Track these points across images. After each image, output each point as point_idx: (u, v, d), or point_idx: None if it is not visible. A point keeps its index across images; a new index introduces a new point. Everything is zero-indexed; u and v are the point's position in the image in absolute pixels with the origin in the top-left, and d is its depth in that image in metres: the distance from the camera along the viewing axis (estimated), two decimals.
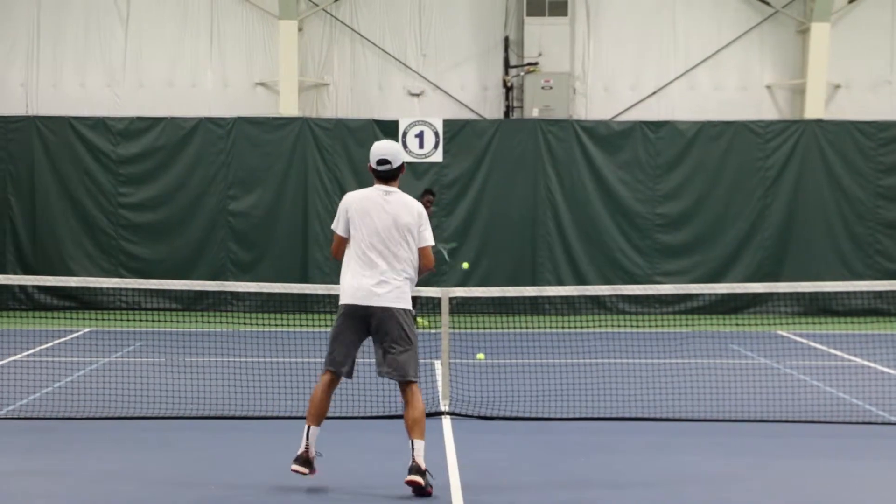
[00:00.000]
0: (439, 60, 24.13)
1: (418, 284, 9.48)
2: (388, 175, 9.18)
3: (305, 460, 9.00)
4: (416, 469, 8.75)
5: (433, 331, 19.66)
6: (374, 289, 8.98)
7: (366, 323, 9.05)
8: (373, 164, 9.20)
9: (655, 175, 23.30)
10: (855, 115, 23.62)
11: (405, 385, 9.05)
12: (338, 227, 9.30)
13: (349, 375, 9.25)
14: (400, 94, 24.16)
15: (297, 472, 8.98)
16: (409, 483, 8.77)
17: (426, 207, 20.35)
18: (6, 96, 23.85)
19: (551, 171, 23.16)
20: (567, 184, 23.16)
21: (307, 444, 9.04)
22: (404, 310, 9.02)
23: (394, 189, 9.18)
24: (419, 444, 8.83)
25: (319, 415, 9.12)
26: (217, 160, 23.23)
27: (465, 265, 18.72)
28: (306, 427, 9.08)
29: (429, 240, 9.15)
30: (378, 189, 9.19)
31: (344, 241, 9.27)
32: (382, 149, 9.23)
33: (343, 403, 12.64)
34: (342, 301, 9.12)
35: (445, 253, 20.80)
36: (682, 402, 12.81)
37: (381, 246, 9.02)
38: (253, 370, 14.39)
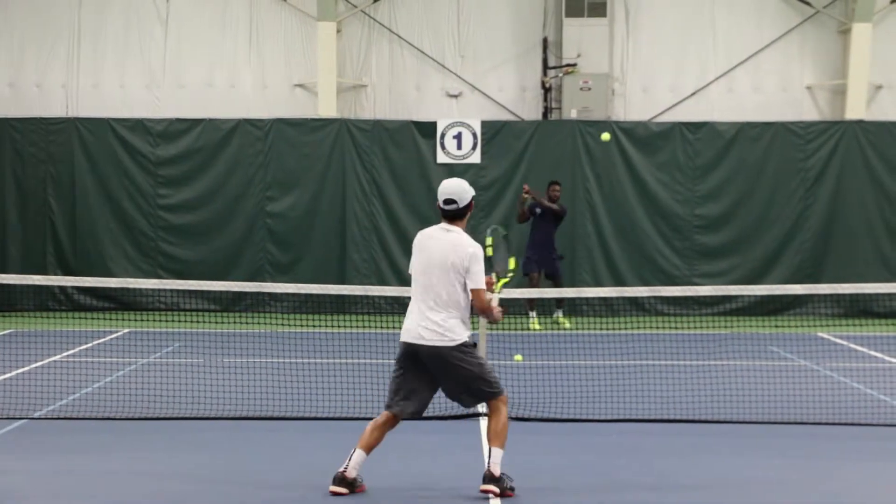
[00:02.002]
0: (477, 61, 24.10)
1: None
2: (452, 214, 9.12)
3: (342, 479, 9.01)
4: (488, 478, 8.85)
5: (568, 329, 19.85)
6: (420, 327, 8.95)
7: (422, 361, 9.00)
8: (440, 202, 9.13)
9: (694, 176, 23.18)
10: None
11: (490, 401, 9.08)
12: (410, 264, 9.27)
13: (412, 417, 9.20)
14: (438, 95, 24.14)
15: (333, 492, 8.98)
16: (484, 492, 8.87)
17: (555, 196, 20.62)
18: (47, 98, 23.99)
19: (589, 172, 23.09)
20: (605, 185, 23.08)
21: (347, 465, 9.03)
22: (451, 347, 8.91)
23: (454, 228, 9.10)
24: (496, 453, 8.89)
25: (367, 445, 9.09)
26: (255, 161, 23.27)
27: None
28: (353, 449, 9.08)
29: (479, 283, 8.94)
30: (440, 227, 9.16)
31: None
32: (448, 188, 9.14)
33: (366, 404, 12.62)
34: (400, 339, 9.11)
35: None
36: (722, 404, 12.73)
37: (428, 284, 8.99)
38: (290, 371, 14.41)
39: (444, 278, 8.94)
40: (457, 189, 9.11)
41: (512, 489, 8.87)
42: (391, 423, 9.13)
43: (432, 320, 8.92)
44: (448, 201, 9.09)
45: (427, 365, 8.98)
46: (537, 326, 20.48)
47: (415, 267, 9.12)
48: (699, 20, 23.98)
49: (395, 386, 9.09)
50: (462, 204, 9.08)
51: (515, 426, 11.63)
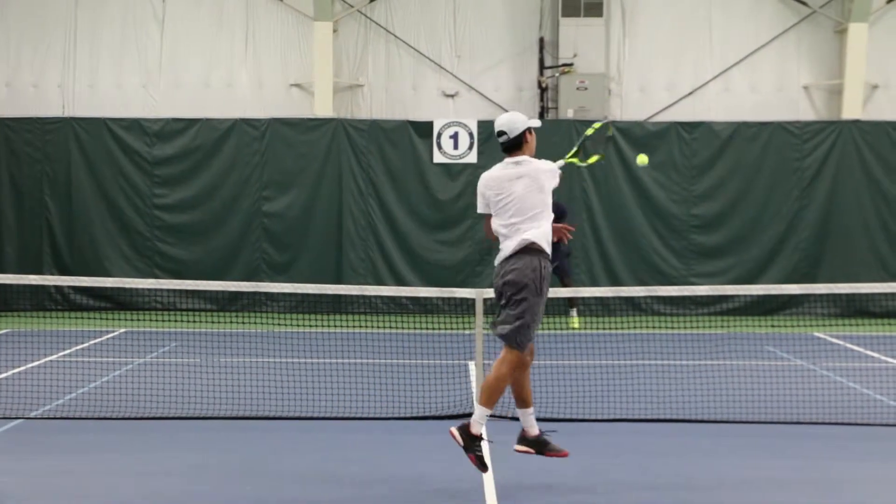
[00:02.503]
0: (474, 61, 24.10)
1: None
2: (508, 146, 9.25)
3: (523, 439, 9.21)
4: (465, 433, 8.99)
5: (581, 330, 19.81)
6: (504, 249, 9.07)
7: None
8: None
9: (691, 176, 23.19)
10: (893, 115, 23.43)
11: (504, 346, 9.07)
12: (481, 207, 9.31)
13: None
14: (434, 94, 24.15)
15: (518, 450, 9.22)
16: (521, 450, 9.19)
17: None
18: (43, 98, 23.98)
19: (586, 171, 23.06)
20: (602, 185, 23.09)
21: (523, 427, 9.20)
22: (509, 257, 9.03)
23: (521, 158, 9.22)
24: (479, 410, 8.93)
25: (521, 398, 9.21)
26: (252, 161, 23.27)
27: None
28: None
29: (553, 180, 9.24)
30: (505, 163, 9.25)
31: (488, 219, 9.27)
32: (499, 122, 9.30)
33: (364, 404, 12.65)
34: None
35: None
36: (718, 404, 12.74)
37: (522, 212, 9.02)
38: (287, 371, 14.40)
39: (535, 201, 9.03)
40: (505, 121, 9.26)
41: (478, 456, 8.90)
42: (525, 365, 9.21)
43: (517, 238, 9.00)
44: (499, 133, 9.25)
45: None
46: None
47: (500, 206, 9.09)
48: (695, 20, 23.99)
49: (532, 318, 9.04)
50: (512, 135, 9.21)
51: (514, 426, 11.64)
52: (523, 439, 9.18)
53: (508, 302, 9.02)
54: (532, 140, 9.34)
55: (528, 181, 9.07)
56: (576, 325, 20.59)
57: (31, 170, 23.28)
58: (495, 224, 9.14)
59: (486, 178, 9.25)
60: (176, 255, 23.23)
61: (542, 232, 9.02)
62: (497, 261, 9.17)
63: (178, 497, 8.99)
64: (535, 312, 9.00)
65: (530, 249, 8.96)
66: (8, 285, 21.18)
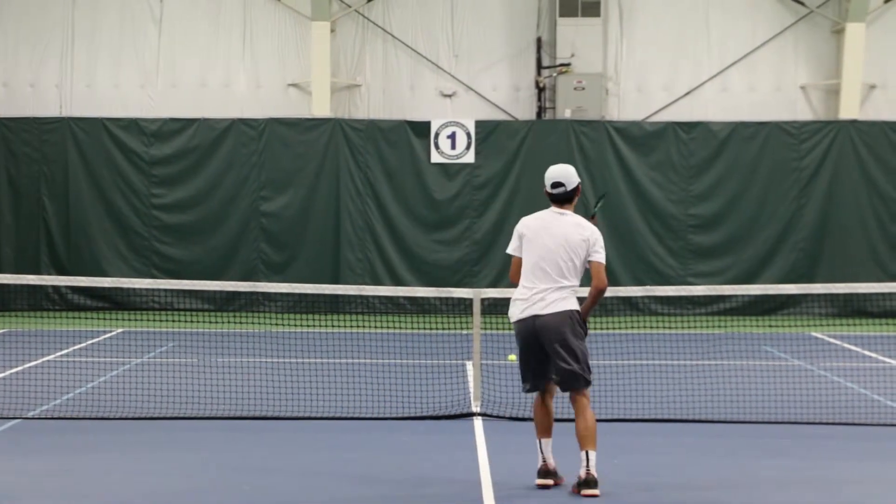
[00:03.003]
0: (471, 61, 24.09)
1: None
2: (562, 198, 9.28)
3: (546, 472, 9.15)
4: (593, 482, 8.93)
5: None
6: (535, 299, 9.04)
7: (535, 335, 9.06)
8: (548, 187, 9.30)
9: (688, 176, 23.20)
10: (890, 115, 23.45)
11: (573, 395, 9.11)
12: (512, 249, 9.37)
13: (553, 386, 9.28)
14: (432, 94, 24.14)
15: (540, 485, 9.11)
16: (588, 496, 8.93)
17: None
18: (41, 98, 23.96)
19: (583, 171, 23.03)
20: (599, 185, 23.07)
21: (543, 458, 9.18)
22: (567, 311, 9.03)
23: (567, 211, 9.26)
24: (592, 455, 8.96)
25: (544, 428, 9.22)
26: (249, 161, 23.27)
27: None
28: (537, 442, 9.22)
29: (603, 258, 9.13)
30: (552, 211, 9.30)
31: (518, 262, 9.31)
32: (556, 172, 9.31)
33: (361, 404, 12.65)
34: (511, 320, 9.20)
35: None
36: (716, 404, 12.73)
37: (548, 265, 9.07)
38: (285, 371, 14.40)
39: (565, 258, 9.06)
40: (564, 173, 9.28)
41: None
42: (548, 399, 9.27)
43: (551, 297, 9.02)
44: (556, 184, 9.26)
45: (541, 339, 9.03)
46: None
47: (529, 250, 9.17)
48: (693, 20, 23.98)
49: (526, 367, 9.18)
50: (570, 187, 9.24)
51: (511, 426, 11.66)
52: (547, 472, 9.17)
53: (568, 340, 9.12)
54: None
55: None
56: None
57: (28, 170, 23.28)
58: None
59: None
60: (173, 255, 23.23)
61: None
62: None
63: (175, 497, 8.99)
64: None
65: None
66: (5, 285, 21.19)
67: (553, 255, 9.06)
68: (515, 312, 9.14)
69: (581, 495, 8.88)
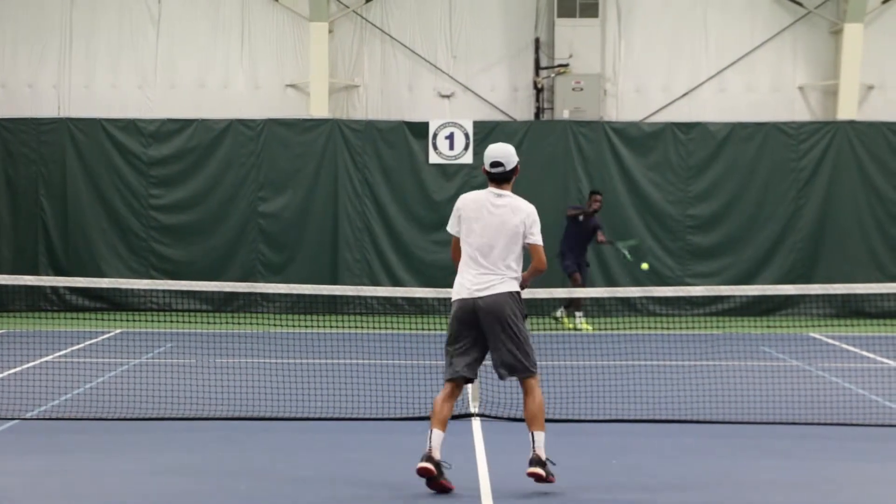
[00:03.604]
0: (469, 62, 24.09)
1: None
2: (500, 177, 9.24)
3: (429, 458, 8.94)
4: (535, 460, 8.87)
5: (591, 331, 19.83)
6: (477, 282, 9.07)
7: (475, 321, 9.07)
8: (486, 166, 9.28)
9: (686, 176, 23.21)
10: (888, 115, 23.46)
11: (523, 380, 9.10)
12: (451, 227, 9.41)
13: (472, 378, 9.30)
14: (430, 95, 24.14)
15: (422, 468, 8.88)
16: (531, 475, 8.87)
17: (597, 207, 20.59)
18: (38, 98, 23.96)
19: (582, 172, 23.11)
20: (598, 185, 23.07)
21: (429, 445, 9.00)
22: (507, 293, 9.04)
23: (505, 192, 9.24)
24: (539, 436, 8.93)
25: (442, 422, 9.07)
26: (248, 162, 23.27)
27: (646, 266, 18.62)
28: (429, 431, 9.05)
29: (539, 240, 9.16)
30: (490, 192, 9.26)
31: (457, 242, 9.38)
32: (496, 151, 9.29)
33: (359, 404, 12.65)
34: (453, 299, 9.24)
35: (626, 252, 20.93)
36: (713, 404, 12.73)
37: (486, 248, 9.09)
38: (283, 372, 14.38)
39: (506, 242, 9.07)
40: (504, 152, 9.25)
41: (553, 475, 8.93)
42: (458, 392, 9.22)
43: (493, 277, 9.06)
44: (495, 164, 9.22)
45: (482, 322, 9.03)
46: (587, 326, 20.50)
47: (468, 231, 9.20)
48: (691, 20, 24.00)
49: (457, 353, 9.15)
50: (509, 167, 9.21)
51: (509, 426, 11.65)
52: (431, 458, 8.92)
53: (510, 327, 9.12)
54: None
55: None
56: (587, 327, 20.57)
57: (26, 170, 23.28)
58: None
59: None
60: (172, 256, 23.23)
61: None
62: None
63: (173, 497, 8.98)
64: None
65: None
66: (3, 286, 21.11)
67: (491, 239, 9.08)
68: (457, 293, 9.17)
69: (527, 474, 8.87)
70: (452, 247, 9.48)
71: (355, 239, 23.14)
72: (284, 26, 24.06)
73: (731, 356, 16.58)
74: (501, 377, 9.23)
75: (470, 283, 9.10)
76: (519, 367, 9.07)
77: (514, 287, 9.11)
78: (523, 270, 9.25)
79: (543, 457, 8.91)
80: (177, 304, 22.68)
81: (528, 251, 9.21)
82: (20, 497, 9.02)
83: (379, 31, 24.05)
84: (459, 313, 9.14)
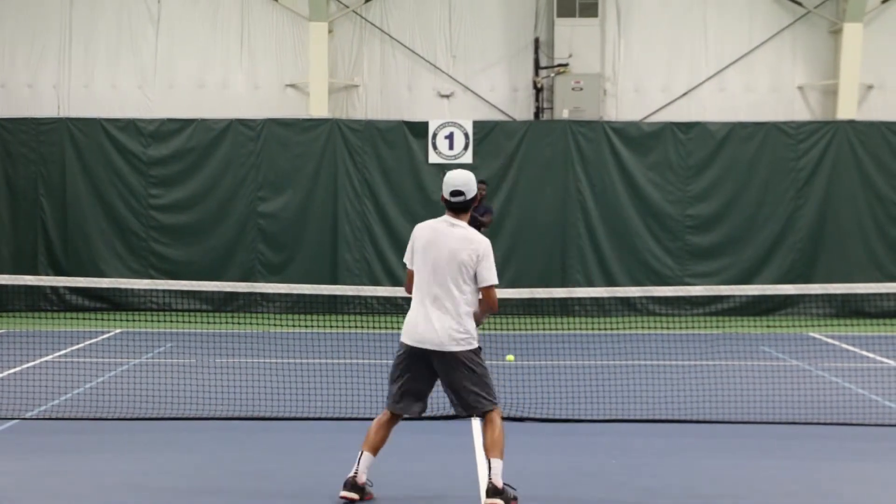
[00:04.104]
0: (469, 62, 24.10)
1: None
2: (460, 206, 8.80)
3: (353, 485, 8.75)
4: (492, 491, 8.54)
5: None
6: (430, 329, 8.69)
7: (426, 362, 8.76)
8: (445, 194, 8.82)
9: (686, 176, 23.20)
10: (888, 115, 23.45)
11: (484, 414, 8.79)
12: (406, 258, 9.02)
13: (416, 416, 8.97)
14: (430, 95, 24.14)
15: (344, 498, 8.70)
16: None
17: (480, 195, 20.40)
18: (38, 98, 23.96)
19: (581, 172, 23.10)
20: (597, 185, 23.09)
21: (356, 469, 8.80)
22: (465, 354, 8.69)
23: (460, 223, 8.79)
24: (496, 464, 8.60)
25: (373, 447, 8.86)
26: (247, 162, 23.26)
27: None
28: (360, 453, 8.86)
29: (490, 279, 8.68)
30: (445, 220, 8.84)
31: (410, 274, 8.98)
32: (456, 179, 8.81)
33: (359, 405, 12.65)
34: (402, 339, 8.87)
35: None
36: (713, 404, 12.74)
37: (438, 281, 8.71)
38: (282, 371, 14.40)
39: (455, 275, 8.67)
40: (465, 180, 8.78)
41: (515, 498, 8.62)
42: (395, 421, 8.93)
43: (445, 324, 8.68)
44: (455, 192, 8.76)
45: (435, 366, 8.73)
46: None
47: (420, 263, 8.81)
48: (691, 20, 24.00)
49: (401, 387, 8.81)
50: (469, 196, 8.77)
51: (509, 427, 11.63)
52: (354, 485, 8.73)
53: (465, 376, 8.78)
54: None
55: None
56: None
57: (25, 170, 23.27)
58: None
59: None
60: (171, 256, 23.22)
61: None
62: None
63: (173, 497, 8.99)
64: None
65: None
66: (3, 286, 21.17)
67: (442, 272, 8.68)
68: (408, 334, 8.80)
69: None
70: (407, 281, 9.05)
71: (355, 239, 23.14)
72: (284, 26, 24.06)
73: (730, 356, 16.58)
74: (460, 415, 8.94)
75: (424, 328, 8.73)
76: (480, 405, 8.74)
77: (470, 343, 8.69)
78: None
79: (500, 485, 8.55)
80: (176, 304, 22.69)
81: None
82: (20, 497, 9.02)
83: (378, 30, 24.04)
84: (410, 357, 8.79)
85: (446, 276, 8.69)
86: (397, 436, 10.72)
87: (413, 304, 8.86)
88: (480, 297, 8.79)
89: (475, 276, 8.69)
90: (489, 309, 8.82)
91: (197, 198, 23.29)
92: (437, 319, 8.70)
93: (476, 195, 8.85)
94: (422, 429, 11.56)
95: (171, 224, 23.28)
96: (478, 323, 8.83)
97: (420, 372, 8.79)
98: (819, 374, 15.25)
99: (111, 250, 23.23)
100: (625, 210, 23.11)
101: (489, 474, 8.61)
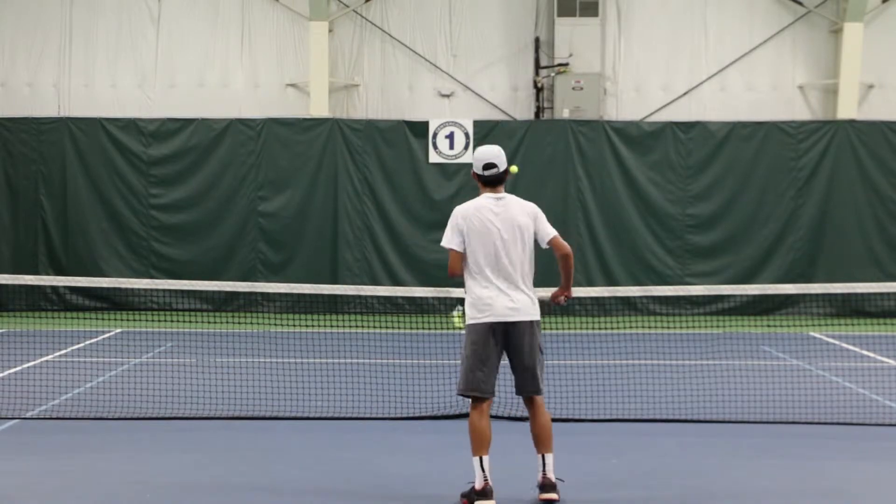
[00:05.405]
0: (469, 61, 24.10)
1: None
2: (496, 179, 8.89)
3: (491, 492, 8.63)
4: (549, 486, 8.70)
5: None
6: (508, 300, 8.69)
7: (500, 338, 8.73)
8: (478, 169, 8.89)
9: (686, 176, 23.21)
10: (888, 115, 23.46)
11: (530, 398, 8.87)
12: (451, 242, 8.93)
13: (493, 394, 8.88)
14: (430, 94, 24.14)
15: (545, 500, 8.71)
16: (546, 501, 8.66)
17: None
18: (38, 98, 23.96)
19: (582, 171, 23.11)
20: (597, 184, 23.09)
21: (486, 476, 8.65)
22: (537, 321, 8.77)
23: (504, 193, 8.92)
24: (550, 458, 8.73)
25: (486, 442, 8.71)
26: (247, 161, 23.27)
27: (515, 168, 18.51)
28: (477, 459, 8.67)
29: (552, 231, 8.89)
30: (488, 197, 8.90)
31: (460, 256, 8.92)
32: (487, 153, 8.92)
33: (359, 404, 12.66)
34: (476, 321, 8.74)
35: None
36: (714, 403, 12.74)
37: (505, 253, 8.74)
38: (283, 371, 14.40)
39: (518, 244, 8.79)
40: (496, 153, 8.93)
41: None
42: (489, 407, 8.86)
43: (520, 294, 8.74)
44: (488, 165, 8.87)
45: (511, 342, 8.72)
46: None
47: (477, 244, 8.78)
48: (691, 20, 24.00)
49: (487, 367, 8.69)
50: (501, 168, 8.88)
51: (508, 426, 11.64)
52: (492, 492, 8.62)
53: (535, 348, 8.91)
54: None
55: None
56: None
57: (26, 170, 23.28)
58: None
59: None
60: (172, 255, 23.22)
61: None
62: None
63: (173, 497, 8.99)
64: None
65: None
66: (3, 285, 21.17)
67: (507, 244, 8.74)
68: (484, 312, 8.71)
69: (539, 500, 8.69)
70: (452, 261, 8.96)
71: (355, 238, 23.14)
72: (284, 25, 24.06)
73: (731, 355, 16.57)
74: (521, 391, 8.93)
75: (503, 301, 8.69)
76: (536, 386, 8.82)
77: (538, 311, 8.79)
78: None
79: (554, 480, 8.73)
80: (177, 304, 22.69)
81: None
82: (20, 497, 9.02)
83: (379, 30, 24.04)
84: (488, 336, 8.69)
85: (511, 247, 8.77)
86: (403, 435, 10.75)
87: (477, 285, 8.81)
88: (557, 255, 8.95)
89: (534, 235, 8.86)
90: (565, 256, 8.94)
91: (197, 197, 23.30)
92: (512, 291, 8.74)
93: (507, 168, 8.95)
94: (422, 429, 11.57)
95: (172, 223, 23.28)
96: (568, 289, 9.11)
97: (497, 350, 8.77)
98: (819, 374, 15.25)
99: (111, 250, 23.23)
100: (625, 209, 23.12)
101: (543, 469, 8.73)
